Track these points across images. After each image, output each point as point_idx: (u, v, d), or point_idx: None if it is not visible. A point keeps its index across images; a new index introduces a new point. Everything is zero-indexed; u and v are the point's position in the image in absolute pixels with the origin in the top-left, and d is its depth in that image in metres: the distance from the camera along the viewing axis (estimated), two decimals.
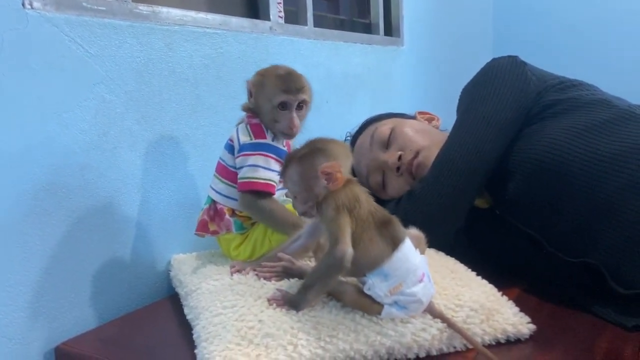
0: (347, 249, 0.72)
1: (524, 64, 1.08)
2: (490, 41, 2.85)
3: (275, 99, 0.90)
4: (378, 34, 1.91)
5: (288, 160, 0.77)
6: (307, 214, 0.79)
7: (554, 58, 2.60)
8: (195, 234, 0.96)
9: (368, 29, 1.94)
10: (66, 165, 0.90)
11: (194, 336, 0.78)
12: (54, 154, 0.88)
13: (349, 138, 1.32)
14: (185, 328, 0.86)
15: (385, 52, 1.89)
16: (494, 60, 1.10)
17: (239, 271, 0.87)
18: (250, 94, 0.95)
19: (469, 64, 2.48)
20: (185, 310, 0.88)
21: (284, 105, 0.91)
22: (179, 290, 0.95)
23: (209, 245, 1.09)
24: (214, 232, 0.95)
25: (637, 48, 2.48)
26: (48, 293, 0.89)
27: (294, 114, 0.91)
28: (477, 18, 2.75)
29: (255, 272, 0.85)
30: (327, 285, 0.76)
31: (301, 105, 0.93)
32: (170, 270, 1.05)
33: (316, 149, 0.77)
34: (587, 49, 2.60)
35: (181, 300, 0.93)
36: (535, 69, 1.09)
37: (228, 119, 1.20)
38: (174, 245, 1.09)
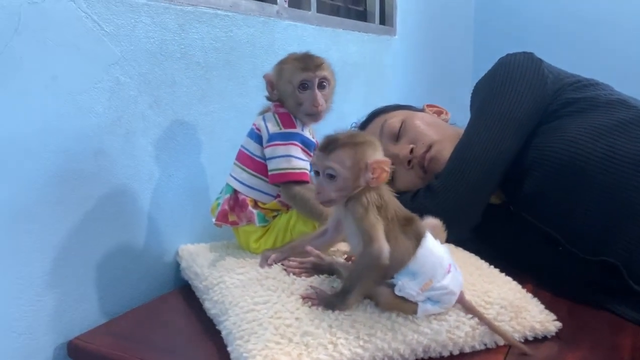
0: (384, 246, 0.71)
1: (541, 61, 1.08)
2: (470, 38, 2.87)
3: (294, 79, 0.88)
4: (374, 22, 1.89)
5: (339, 142, 0.73)
6: (331, 203, 0.76)
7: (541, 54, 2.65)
8: (215, 224, 0.93)
9: (362, 16, 1.91)
10: (80, 150, 0.84)
11: (223, 333, 0.76)
12: (67, 138, 0.83)
13: (355, 129, 1.30)
14: (203, 322, 0.84)
15: (380, 42, 1.88)
16: (508, 55, 1.10)
17: (268, 263, 0.85)
18: (271, 87, 0.92)
19: (453, 58, 2.52)
20: (207, 305, 0.84)
21: (304, 85, 0.89)
22: (196, 283, 0.91)
23: (217, 236, 1.05)
24: (233, 223, 0.92)
25: (621, 48, 2.53)
26: (59, 285, 0.84)
27: (317, 92, 0.89)
28: (460, 12, 2.77)
29: (284, 267, 0.83)
30: (367, 285, 0.74)
31: (323, 84, 0.90)
32: (180, 262, 1.01)
33: (371, 141, 0.75)
34: (566, 41, 2.64)
35: (198, 293, 0.90)
36: (551, 66, 1.09)
37: (236, 106, 1.16)
38: (181, 235, 1.05)
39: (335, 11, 1.80)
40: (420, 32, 2.23)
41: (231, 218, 0.91)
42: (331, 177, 0.73)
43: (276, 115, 0.90)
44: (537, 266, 1.01)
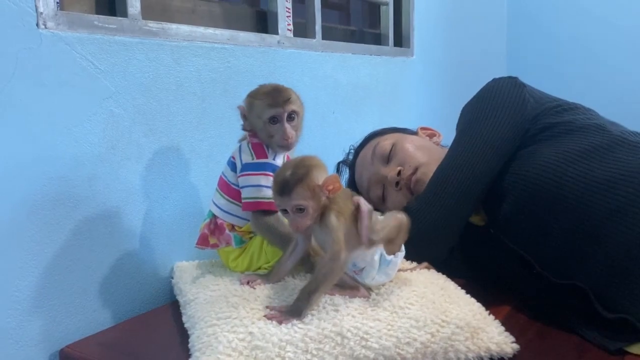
0: (347, 256, 0.82)
1: (523, 85, 1.10)
2: (503, 54, 2.85)
3: (264, 115, 0.93)
4: (388, 44, 1.94)
5: (291, 182, 0.81)
6: (309, 228, 0.84)
7: (567, 74, 2.61)
8: (196, 247, 1.00)
9: (378, 39, 1.96)
10: (75, 177, 0.94)
11: (189, 345, 0.82)
12: (63, 166, 0.92)
13: (352, 151, 1.35)
14: (184, 335, 0.90)
15: (395, 63, 1.92)
16: (494, 80, 1.12)
17: (249, 283, 0.90)
18: (244, 117, 0.97)
19: (479, 75, 2.50)
20: (184, 319, 0.91)
21: (274, 119, 0.93)
22: (179, 298, 0.99)
23: (211, 254, 1.12)
24: (214, 246, 0.98)
25: None
26: (55, 298, 0.93)
27: (286, 125, 0.94)
28: (490, 30, 2.76)
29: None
30: (328, 287, 0.83)
31: (292, 116, 0.94)
32: (172, 277, 1.09)
33: (313, 164, 0.84)
34: (599, 66, 2.59)
35: (180, 308, 0.97)
36: (534, 90, 1.11)
37: (234, 131, 1.22)
38: (177, 252, 1.13)
39: (348, 36, 1.86)
40: (442, 53, 2.25)
41: (212, 241, 0.98)
42: (300, 210, 0.82)
43: (250, 145, 0.96)
44: (515, 288, 1.02)
